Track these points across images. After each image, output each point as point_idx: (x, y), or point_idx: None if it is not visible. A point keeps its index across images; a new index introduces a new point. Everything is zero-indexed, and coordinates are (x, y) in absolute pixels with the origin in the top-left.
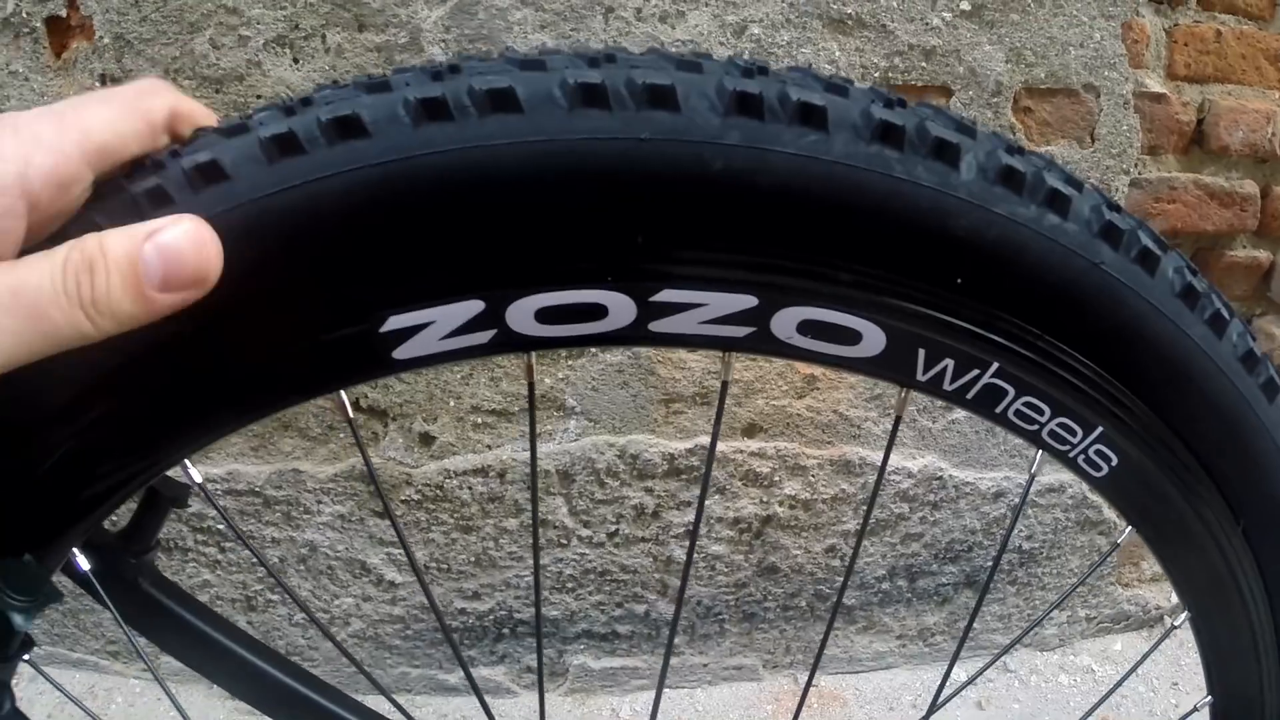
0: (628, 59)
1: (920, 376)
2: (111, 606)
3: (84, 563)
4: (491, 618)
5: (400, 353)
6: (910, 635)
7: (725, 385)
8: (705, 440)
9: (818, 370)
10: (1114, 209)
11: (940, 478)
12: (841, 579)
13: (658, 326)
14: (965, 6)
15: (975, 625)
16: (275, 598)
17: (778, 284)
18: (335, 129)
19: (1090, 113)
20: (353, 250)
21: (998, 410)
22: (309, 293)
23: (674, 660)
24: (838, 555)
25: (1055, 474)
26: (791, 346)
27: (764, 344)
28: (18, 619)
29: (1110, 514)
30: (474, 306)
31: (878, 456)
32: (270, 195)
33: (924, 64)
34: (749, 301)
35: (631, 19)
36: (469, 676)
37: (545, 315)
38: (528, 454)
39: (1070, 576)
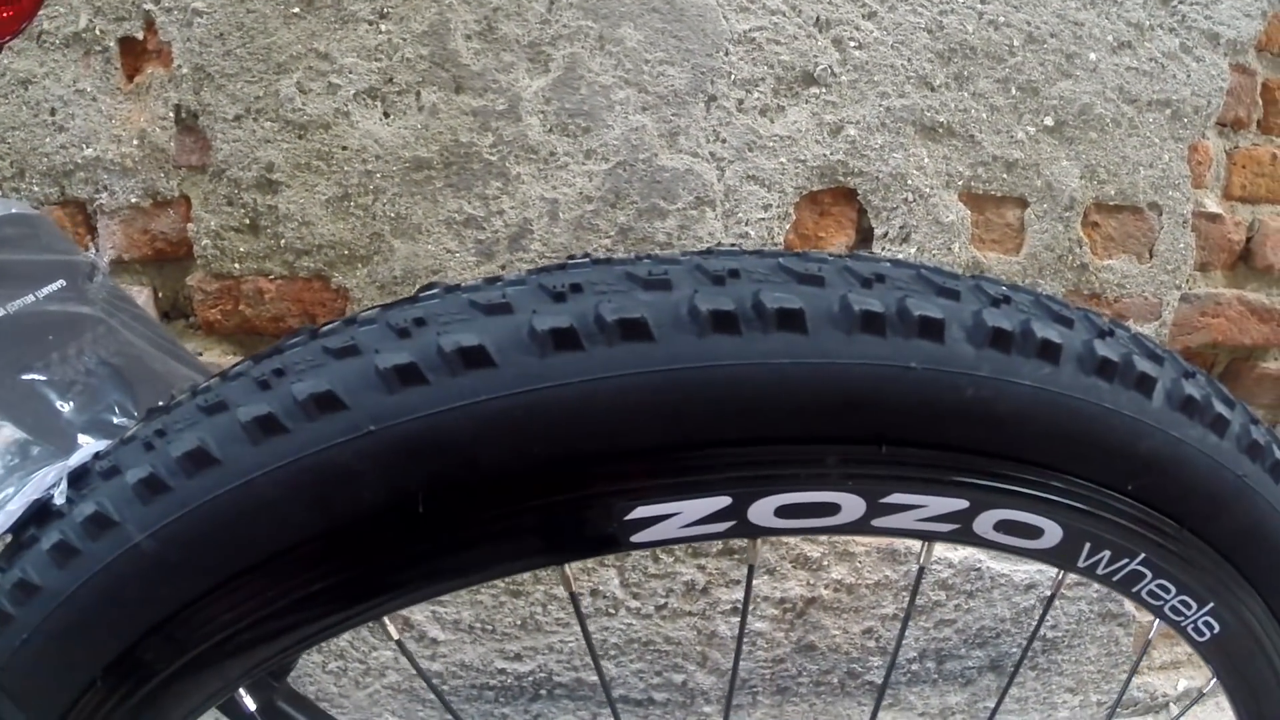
0: (894, 279)
1: (1080, 564)
2: None
3: (250, 704)
4: (530, 679)
5: (638, 537)
6: (932, 713)
7: (922, 570)
8: None
9: None
10: (1255, 423)
11: (978, 569)
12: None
13: (880, 523)
14: (1049, 122)
15: (992, 706)
16: None
17: (990, 488)
18: (618, 329)
19: (1151, 230)
20: (617, 445)
21: (1134, 589)
22: (563, 480)
23: None
24: (874, 637)
25: None
26: (985, 539)
27: (963, 537)
28: None
29: (1130, 607)
30: (721, 502)
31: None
32: (543, 389)
33: (1005, 175)
34: (961, 504)
35: (733, 109)
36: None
37: (784, 511)
38: None
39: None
